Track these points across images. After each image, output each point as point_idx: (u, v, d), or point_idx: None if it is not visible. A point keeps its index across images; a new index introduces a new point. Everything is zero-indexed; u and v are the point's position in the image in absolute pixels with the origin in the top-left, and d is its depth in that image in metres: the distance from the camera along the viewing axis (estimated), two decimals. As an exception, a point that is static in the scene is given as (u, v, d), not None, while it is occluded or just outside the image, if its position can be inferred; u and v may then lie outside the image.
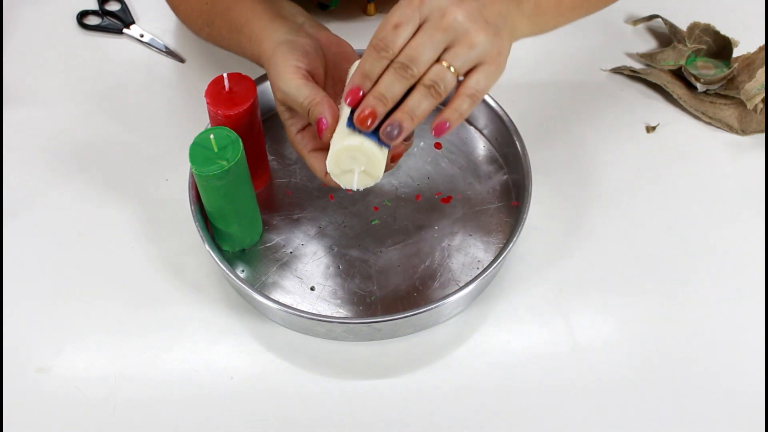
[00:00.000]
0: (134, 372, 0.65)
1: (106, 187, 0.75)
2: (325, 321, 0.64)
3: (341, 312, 0.67)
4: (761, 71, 0.77)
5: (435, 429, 0.62)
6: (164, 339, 0.66)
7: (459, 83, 0.56)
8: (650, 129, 0.80)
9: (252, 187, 0.66)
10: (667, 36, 0.88)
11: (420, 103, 0.55)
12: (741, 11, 0.90)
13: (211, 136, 0.61)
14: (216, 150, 0.61)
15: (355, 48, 0.68)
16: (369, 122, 0.54)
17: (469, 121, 0.79)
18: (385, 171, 0.59)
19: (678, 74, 0.84)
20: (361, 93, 0.55)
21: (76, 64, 0.85)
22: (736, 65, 0.81)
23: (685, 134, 0.80)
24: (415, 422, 0.63)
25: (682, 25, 0.86)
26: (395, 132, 0.55)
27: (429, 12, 0.54)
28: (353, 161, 0.56)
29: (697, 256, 0.72)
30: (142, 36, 0.87)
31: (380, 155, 0.57)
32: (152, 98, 0.82)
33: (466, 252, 0.70)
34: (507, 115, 0.74)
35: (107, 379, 0.64)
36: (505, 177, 0.75)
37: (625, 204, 0.75)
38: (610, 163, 0.78)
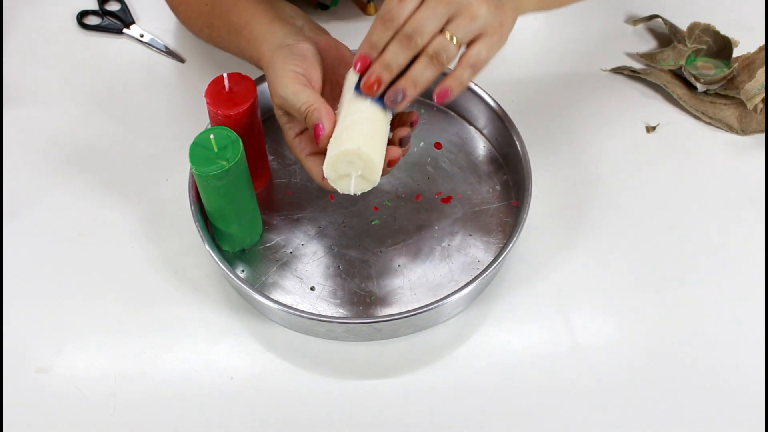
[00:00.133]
0: (134, 372, 0.65)
1: (106, 187, 0.75)
2: (325, 321, 0.64)
3: (341, 312, 0.67)
4: (761, 71, 0.77)
5: (435, 429, 0.62)
6: (164, 339, 0.66)
7: (462, 53, 0.58)
8: (650, 129, 0.80)
9: (252, 187, 0.66)
10: (667, 36, 0.88)
11: (423, 72, 0.57)
12: (741, 11, 0.90)
13: (211, 136, 0.61)
14: (216, 150, 0.61)
15: (355, 49, 0.68)
16: (375, 88, 0.58)
17: (469, 121, 0.79)
18: (382, 175, 0.59)
19: (678, 74, 0.84)
20: (369, 61, 0.58)
21: (76, 64, 0.85)
22: (736, 65, 0.81)
23: (685, 134, 0.80)
24: (415, 422, 0.63)
25: (682, 25, 0.86)
26: (399, 98, 0.58)
27: None
28: (350, 166, 0.57)
29: (697, 256, 0.72)
30: (142, 36, 0.87)
31: (377, 159, 0.57)
32: (152, 98, 0.82)
33: (466, 252, 0.70)
34: (507, 115, 0.74)
35: (107, 379, 0.64)
36: (505, 177, 0.75)
37: (625, 204, 0.75)
38: (610, 163, 0.78)
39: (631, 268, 0.71)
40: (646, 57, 0.86)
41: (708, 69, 0.83)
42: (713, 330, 0.67)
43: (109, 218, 0.73)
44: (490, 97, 0.76)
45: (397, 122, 0.63)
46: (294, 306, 0.65)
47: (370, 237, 0.71)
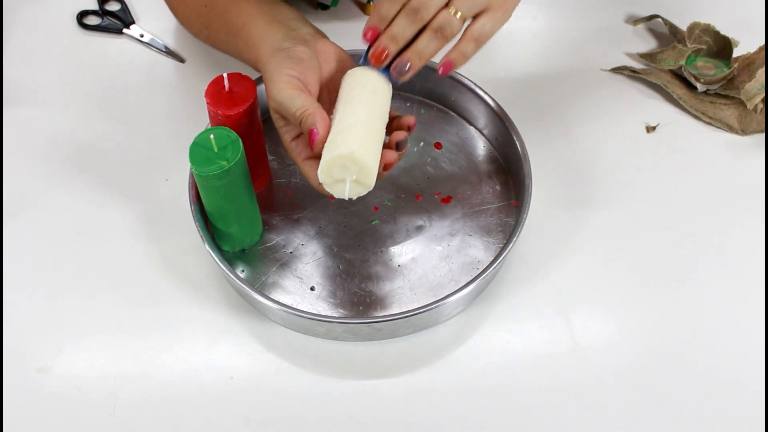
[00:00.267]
0: (134, 372, 0.65)
1: (107, 187, 0.75)
2: (325, 321, 0.64)
3: (341, 312, 0.67)
4: (761, 71, 0.77)
5: (435, 429, 0.62)
6: (164, 339, 0.66)
7: (467, 26, 0.60)
8: (650, 129, 0.80)
9: (252, 187, 0.66)
10: (667, 36, 0.88)
11: (428, 45, 0.60)
12: (741, 11, 0.90)
13: (211, 136, 0.61)
14: (216, 150, 0.61)
15: (356, 48, 0.68)
16: (382, 58, 0.60)
17: (469, 121, 0.79)
18: (378, 178, 0.59)
19: (678, 74, 0.84)
20: (377, 32, 0.60)
21: (76, 64, 0.85)
22: (736, 65, 0.81)
23: (685, 134, 0.80)
24: (415, 422, 0.63)
25: (682, 25, 0.86)
26: (405, 68, 0.61)
27: None
28: (344, 170, 0.57)
29: (697, 256, 0.72)
30: (142, 36, 0.87)
31: (371, 163, 0.57)
32: (152, 98, 0.82)
33: (466, 252, 0.70)
34: (507, 115, 0.74)
35: (107, 379, 0.64)
36: (505, 177, 0.75)
37: (625, 204, 0.75)
38: (610, 162, 0.78)
39: (631, 268, 0.71)
40: (646, 57, 0.86)
41: (708, 69, 0.83)
42: (713, 330, 0.67)
43: (109, 218, 0.73)
44: (490, 97, 0.76)
45: (394, 126, 0.63)
46: (294, 306, 0.65)
47: (370, 237, 0.71)
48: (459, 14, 0.59)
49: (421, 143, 0.77)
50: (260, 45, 0.65)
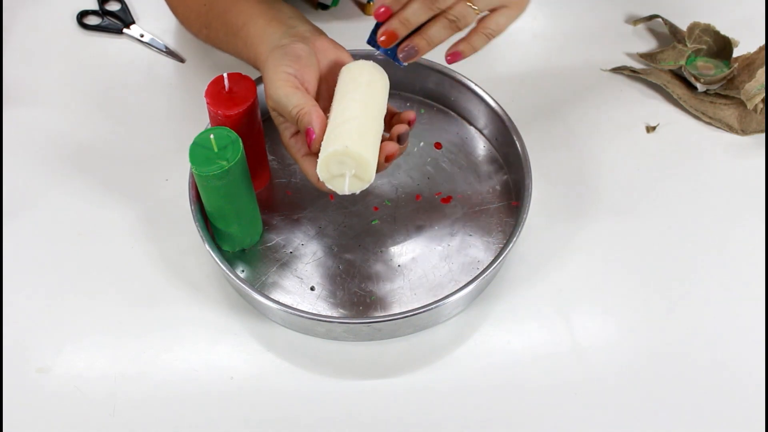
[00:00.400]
0: (134, 372, 0.65)
1: (106, 187, 0.75)
2: (325, 321, 0.64)
3: (341, 312, 0.67)
4: (761, 71, 0.77)
5: (435, 429, 0.62)
6: (164, 339, 0.66)
7: (480, 18, 0.60)
8: (650, 129, 0.80)
9: (252, 187, 0.66)
10: (667, 36, 0.88)
11: (438, 33, 0.60)
12: (741, 11, 0.90)
13: (211, 136, 0.61)
14: (216, 150, 0.61)
15: (355, 48, 0.68)
16: (391, 39, 0.60)
17: (469, 121, 0.79)
18: (379, 171, 0.59)
19: (678, 74, 0.84)
20: (390, 12, 0.59)
21: (76, 64, 0.85)
22: (736, 65, 0.81)
23: (685, 134, 0.80)
24: (415, 422, 0.63)
25: (682, 25, 0.86)
26: (413, 53, 0.61)
27: None
28: (342, 166, 0.57)
29: (697, 256, 0.72)
30: (142, 36, 0.87)
31: (368, 156, 0.57)
32: (152, 98, 0.82)
33: (466, 252, 0.70)
34: (507, 115, 0.74)
35: (107, 379, 0.64)
36: (505, 177, 0.75)
37: (625, 204, 0.75)
38: (610, 162, 0.78)
39: (631, 268, 0.71)
40: (646, 57, 0.86)
41: (708, 69, 0.83)
42: (713, 330, 0.67)
43: (109, 218, 0.73)
44: (490, 97, 0.76)
45: (394, 122, 0.63)
46: (294, 306, 0.65)
47: (370, 237, 0.71)
48: (475, 7, 0.58)
49: (421, 143, 0.77)
50: (259, 44, 0.65)
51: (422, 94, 0.80)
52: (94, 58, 0.86)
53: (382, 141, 0.60)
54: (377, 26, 0.61)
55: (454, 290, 0.64)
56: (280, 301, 0.65)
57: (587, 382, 0.64)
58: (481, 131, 0.78)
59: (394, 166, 0.62)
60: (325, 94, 0.65)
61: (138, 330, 0.67)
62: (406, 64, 0.61)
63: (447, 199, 0.73)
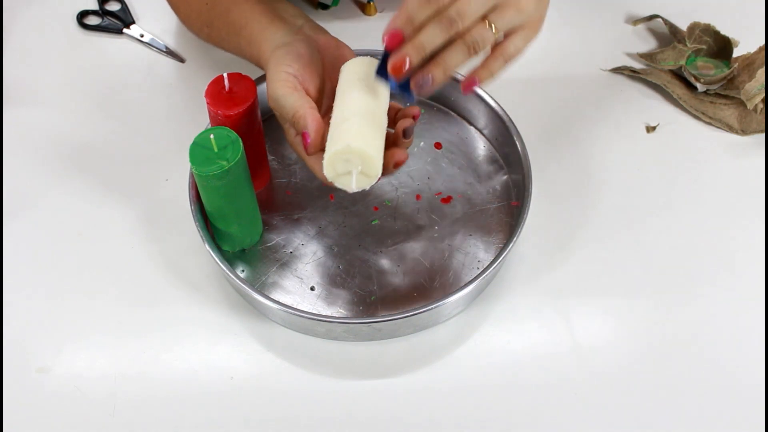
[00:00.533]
0: (134, 372, 0.65)
1: (106, 187, 0.75)
2: (325, 321, 0.64)
3: (341, 312, 0.67)
4: (761, 71, 0.77)
5: (435, 429, 0.62)
6: (164, 339, 0.66)
7: (497, 42, 0.55)
8: (650, 129, 0.80)
9: (252, 187, 0.66)
10: (667, 36, 0.88)
11: (456, 59, 0.54)
12: (741, 11, 0.90)
13: (211, 136, 0.61)
14: (216, 150, 0.61)
15: (355, 48, 0.68)
16: (404, 71, 0.54)
17: (469, 121, 0.79)
18: (386, 175, 0.59)
19: (678, 74, 0.84)
20: (401, 38, 0.53)
21: (76, 64, 0.85)
22: (736, 65, 0.81)
23: (685, 134, 0.80)
24: (415, 422, 0.63)
25: (682, 25, 0.86)
26: (428, 84, 0.54)
27: None
28: (348, 164, 0.57)
29: (697, 256, 0.72)
30: (142, 36, 0.87)
31: (372, 152, 0.56)
32: (152, 98, 0.82)
33: (466, 252, 0.70)
34: (507, 115, 0.74)
35: (107, 379, 0.64)
36: (505, 177, 0.75)
37: (625, 204, 0.75)
38: (610, 162, 0.78)
39: (631, 268, 0.71)
40: (646, 57, 0.86)
41: (708, 69, 0.83)
42: (713, 330, 0.67)
43: (109, 218, 0.73)
44: (491, 97, 0.76)
45: (398, 117, 0.62)
46: (294, 306, 0.65)
47: (370, 237, 0.71)
48: (494, 28, 0.53)
49: (421, 143, 0.77)
50: (262, 42, 0.65)
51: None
52: (94, 58, 0.86)
53: (390, 145, 0.60)
54: (386, 56, 0.54)
55: (454, 290, 0.64)
56: (280, 301, 0.65)
57: (587, 382, 0.64)
58: (481, 131, 0.78)
59: (396, 171, 0.62)
60: (328, 92, 0.65)
61: (138, 330, 0.67)
62: (419, 97, 0.55)
63: (447, 199, 0.73)
